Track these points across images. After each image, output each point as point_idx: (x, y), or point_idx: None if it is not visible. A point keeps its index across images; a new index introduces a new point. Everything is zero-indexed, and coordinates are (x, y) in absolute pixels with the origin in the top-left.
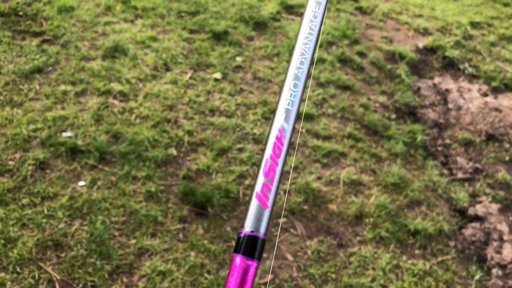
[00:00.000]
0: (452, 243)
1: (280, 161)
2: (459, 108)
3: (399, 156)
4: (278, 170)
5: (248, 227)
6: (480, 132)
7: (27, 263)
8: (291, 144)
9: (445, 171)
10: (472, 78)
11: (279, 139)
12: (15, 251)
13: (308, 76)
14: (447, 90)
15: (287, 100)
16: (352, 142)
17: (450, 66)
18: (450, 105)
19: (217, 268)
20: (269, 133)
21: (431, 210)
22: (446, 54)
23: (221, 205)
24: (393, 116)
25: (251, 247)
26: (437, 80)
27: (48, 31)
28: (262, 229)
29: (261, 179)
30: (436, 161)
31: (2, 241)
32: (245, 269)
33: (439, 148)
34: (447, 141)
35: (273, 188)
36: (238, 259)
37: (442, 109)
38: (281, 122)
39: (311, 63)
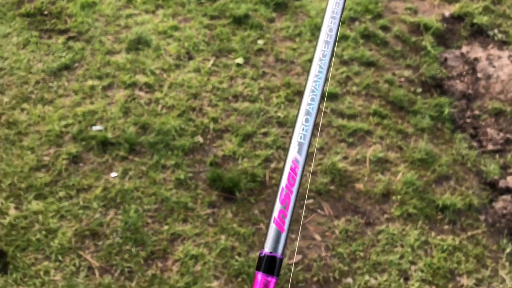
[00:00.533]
0: (482, 217)
1: (295, 189)
2: (489, 77)
3: (425, 131)
4: (292, 197)
5: (267, 248)
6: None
7: (68, 251)
8: (315, 125)
9: (475, 144)
10: (502, 44)
11: (293, 170)
12: (56, 241)
13: (332, 56)
14: (476, 59)
15: (300, 134)
16: (378, 119)
17: (479, 34)
18: (479, 75)
19: (247, 250)
20: (284, 163)
21: (460, 185)
22: (474, 21)
23: (248, 189)
24: (419, 90)
25: (270, 265)
26: (465, 49)
27: (72, 28)
28: (280, 250)
29: (277, 206)
30: (464, 134)
31: (44, 232)
32: (266, 285)
33: (468, 120)
34: (476, 112)
35: (289, 214)
36: (259, 276)
37: (471, 79)
38: (295, 154)
39: (321, 97)
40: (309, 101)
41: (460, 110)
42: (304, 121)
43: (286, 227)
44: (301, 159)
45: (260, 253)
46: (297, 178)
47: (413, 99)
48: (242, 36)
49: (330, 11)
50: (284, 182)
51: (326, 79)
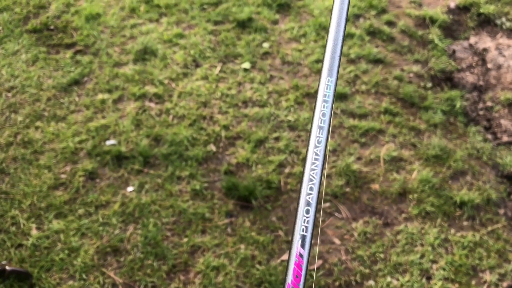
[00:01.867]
0: (501, 211)
1: (301, 286)
2: (499, 67)
3: (438, 126)
4: None
5: None
6: None
7: (91, 269)
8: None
9: (489, 136)
10: (510, 33)
11: (297, 265)
12: (79, 259)
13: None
14: (485, 49)
15: (302, 226)
16: (389, 117)
17: (486, 23)
18: (489, 65)
19: (267, 259)
20: (288, 259)
21: (476, 179)
22: (481, 10)
23: (264, 196)
24: (429, 84)
25: None
26: (473, 40)
27: (79, 42)
28: None
29: None
30: (478, 127)
31: (66, 251)
32: None
33: (481, 112)
34: (489, 103)
35: None
36: None
37: (481, 70)
38: (298, 248)
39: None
40: (308, 190)
41: (472, 102)
42: (305, 212)
43: None
44: (305, 254)
45: None
46: (303, 274)
47: (423, 94)
48: (247, 40)
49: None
50: (289, 278)
51: (323, 168)
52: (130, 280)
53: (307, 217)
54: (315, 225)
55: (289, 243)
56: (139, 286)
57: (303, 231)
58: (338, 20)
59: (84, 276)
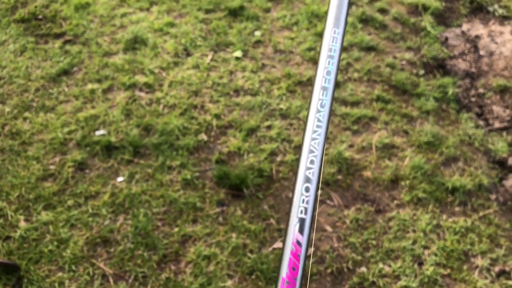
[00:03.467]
0: (493, 197)
1: (298, 280)
2: (491, 53)
3: (430, 113)
4: None
5: None
6: None
7: (81, 261)
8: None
9: (481, 123)
10: (503, 19)
11: (294, 254)
12: (68, 251)
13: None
14: (477, 37)
15: (300, 208)
16: (381, 104)
17: (479, 10)
18: (482, 52)
19: (259, 247)
20: (283, 248)
21: (468, 165)
22: None
23: (255, 185)
24: (421, 72)
25: None
26: (465, 27)
27: (68, 31)
28: None
29: None
30: (470, 113)
31: (55, 243)
32: None
33: (473, 99)
34: (481, 90)
35: None
36: None
37: (473, 57)
38: (295, 234)
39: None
40: (309, 164)
41: (464, 89)
42: (304, 190)
43: None
44: (304, 240)
45: None
46: (300, 265)
47: (416, 81)
48: (239, 28)
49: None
50: (284, 271)
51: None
52: (121, 270)
53: (306, 196)
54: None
55: (283, 230)
56: (130, 276)
57: (301, 213)
58: None
59: (73, 267)
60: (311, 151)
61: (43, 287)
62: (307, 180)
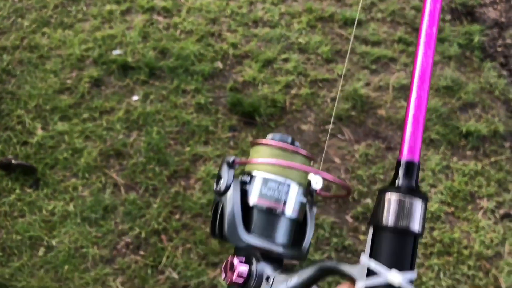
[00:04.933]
0: (507, 144)
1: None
2: None
3: (452, 58)
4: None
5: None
6: None
7: (94, 170)
8: (338, 52)
9: (504, 73)
10: None
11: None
12: (82, 159)
13: None
14: None
15: None
16: (403, 46)
17: None
18: None
19: None
20: None
21: (486, 112)
22: None
23: (268, 114)
24: (448, 17)
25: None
26: None
27: None
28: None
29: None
30: (494, 63)
31: (70, 151)
32: None
33: (499, 49)
34: (509, 41)
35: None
36: None
37: (504, 7)
38: None
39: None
40: None
41: (491, 38)
42: None
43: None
44: None
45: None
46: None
47: (441, 26)
48: None
49: None
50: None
51: None
52: (132, 182)
53: None
54: (318, 147)
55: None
56: (140, 187)
57: None
58: None
59: (87, 175)
60: None
61: (58, 190)
62: None
